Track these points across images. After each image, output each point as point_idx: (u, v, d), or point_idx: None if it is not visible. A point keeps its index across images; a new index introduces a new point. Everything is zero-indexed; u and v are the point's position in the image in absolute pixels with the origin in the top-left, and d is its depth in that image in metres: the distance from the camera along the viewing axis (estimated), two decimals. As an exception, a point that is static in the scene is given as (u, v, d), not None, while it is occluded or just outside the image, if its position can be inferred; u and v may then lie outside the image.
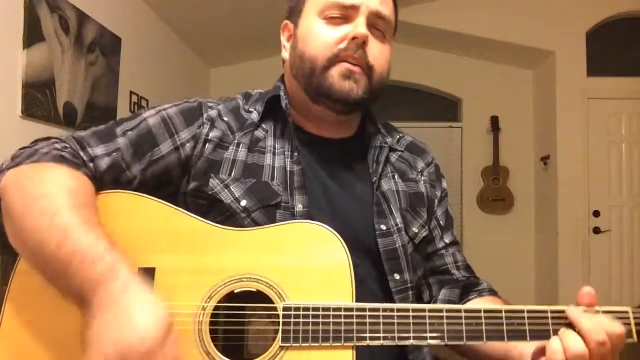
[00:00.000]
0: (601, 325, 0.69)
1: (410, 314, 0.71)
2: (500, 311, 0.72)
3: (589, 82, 4.16)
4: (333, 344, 0.70)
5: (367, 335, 0.70)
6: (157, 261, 0.74)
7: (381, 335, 0.70)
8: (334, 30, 0.87)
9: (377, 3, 0.87)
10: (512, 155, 4.63)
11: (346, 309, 0.71)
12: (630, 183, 4.19)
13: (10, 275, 0.73)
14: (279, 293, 0.72)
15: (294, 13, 0.93)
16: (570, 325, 0.71)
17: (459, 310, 0.72)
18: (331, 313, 0.71)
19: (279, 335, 0.70)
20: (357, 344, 0.70)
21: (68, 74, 2.41)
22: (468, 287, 0.94)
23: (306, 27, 0.89)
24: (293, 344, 0.70)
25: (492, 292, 0.94)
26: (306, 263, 0.74)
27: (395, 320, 0.71)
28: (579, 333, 0.69)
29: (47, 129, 2.24)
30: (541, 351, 0.72)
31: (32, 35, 2.12)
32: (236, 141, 0.89)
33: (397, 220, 0.89)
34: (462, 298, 0.93)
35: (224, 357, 0.71)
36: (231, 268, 0.74)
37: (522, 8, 4.17)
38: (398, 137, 1.02)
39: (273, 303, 0.72)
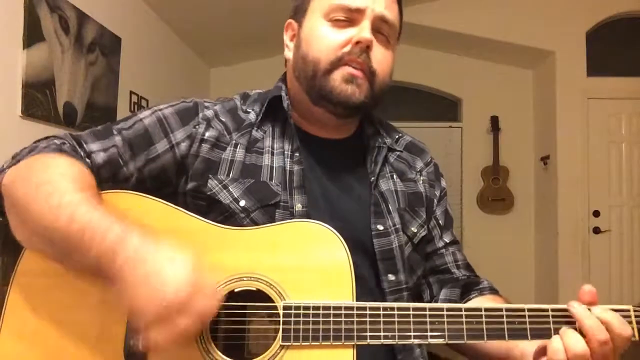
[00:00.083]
0: (607, 324, 0.69)
1: (411, 312, 0.71)
2: (501, 310, 0.72)
3: (589, 82, 4.16)
4: (333, 343, 0.70)
5: (368, 334, 0.70)
6: (157, 260, 0.74)
7: (382, 334, 0.70)
8: (338, 33, 0.86)
9: (382, 7, 0.87)
10: (512, 155, 4.63)
11: (347, 308, 0.71)
12: (630, 183, 4.19)
13: (11, 276, 0.73)
14: (280, 292, 0.72)
15: (299, 12, 0.93)
16: (572, 323, 0.71)
17: (459, 309, 0.72)
18: (332, 312, 0.71)
19: (280, 334, 0.70)
20: (357, 343, 0.70)
21: (68, 74, 2.41)
22: (469, 286, 0.94)
23: (310, 28, 0.89)
24: (293, 343, 0.70)
25: (493, 291, 0.94)
26: (307, 262, 0.74)
27: (396, 320, 0.71)
28: (580, 331, 0.69)
29: (47, 129, 2.24)
30: (542, 350, 0.72)
31: (32, 35, 2.12)
32: (234, 142, 0.89)
33: (395, 221, 0.89)
34: (463, 297, 0.93)
35: (224, 357, 0.71)
36: (232, 267, 0.74)
37: (522, 8, 4.17)
38: (397, 137, 1.02)
39: (273, 302, 0.72)
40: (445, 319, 0.71)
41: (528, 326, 0.71)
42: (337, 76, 0.85)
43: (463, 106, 4.80)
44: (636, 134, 4.20)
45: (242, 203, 0.84)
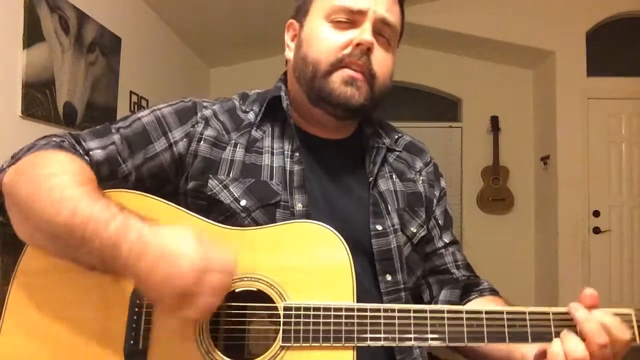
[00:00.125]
0: (607, 328, 0.68)
1: (412, 314, 0.71)
2: (502, 312, 0.72)
3: (589, 82, 4.16)
4: (334, 344, 0.70)
5: (368, 335, 0.70)
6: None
7: (382, 335, 0.70)
8: (339, 34, 0.86)
9: (384, 9, 0.87)
10: (512, 155, 4.63)
11: (347, 309, 0.71)
12: (630, 183, 4.19)
13: (12, 276, 0.73)
14: (280, 293, 0.72)
15: (300, 13, 0.93)
16: (573, 327, 0.70)
17: (460, 312, 0.72)
18: (332, 313, 0.71)
19: (280, 335, 0.70)
20: (357, 345, 0.70)
21: (68, 74, 2.41)
22: (469, 287, 0.94)
23: (311, 29, 0.89)
24: (294, 344, 0.70)
25: (493, 292, 0.94)
26: (307, 263, 0.74)
27: (397, 321, 0.71)
28: (580, 334, 0.69)
29: (47, 129, 2.24)
30: (543, 353, 0.72)
31: (32, 35, 2.12)
32: (233, 141, 0.89)
33: (394, 221, 0.89)
34: (463, 298, 0.93)
35: (224, 357, 0.71)
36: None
37: (522, 8, 4.17)
38: (396, 137, 1.02)
39: (274, 303, 0.72)
40: (445, 321, 0.71)
41: (529, 329, 0.71)
42: (337, 78, 0.85)
43: (463, 106, 4.80)
44: (636, 134, 4.21)
45: (243, 203, 0.84)
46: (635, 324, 0.72)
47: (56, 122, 2.31)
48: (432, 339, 0.71)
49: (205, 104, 0.92)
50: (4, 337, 0.71)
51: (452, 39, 4.40)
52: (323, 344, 0.70)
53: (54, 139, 0.81)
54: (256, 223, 0.82)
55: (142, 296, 0.71)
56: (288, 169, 0.87)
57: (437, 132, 4.68)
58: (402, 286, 0.87)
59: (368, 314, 0.71)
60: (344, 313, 0.71)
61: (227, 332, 0.73)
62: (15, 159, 0.78)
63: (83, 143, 0.82)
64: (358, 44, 0.84)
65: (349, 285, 0.73)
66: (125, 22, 3.03)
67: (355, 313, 0.71)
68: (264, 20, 3.52)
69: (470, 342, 0.71)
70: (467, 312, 0.72)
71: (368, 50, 0.85)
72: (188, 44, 4.14)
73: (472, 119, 4.73)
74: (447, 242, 0.99)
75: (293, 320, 0.71)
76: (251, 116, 0.92)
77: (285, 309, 0.71)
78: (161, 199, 0.79)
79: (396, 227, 0.89)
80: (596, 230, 4.15)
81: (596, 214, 4.17)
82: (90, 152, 0.82)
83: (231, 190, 0.85)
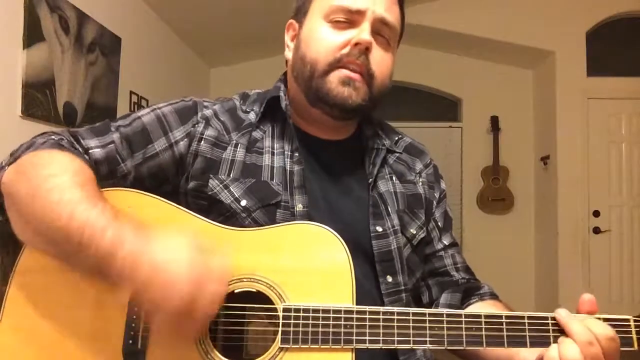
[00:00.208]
0: (589, 326, 0.69)
1: (411, 318, 0.71)
2: (501, 317, 0.72)
3: (589, 82, 4.16)
4: (332, 347, 0.70)
5: (367, 338, 0.70)
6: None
7: (381, 338, 0.70)
8: (338, 34, 0.86)
9: (383, 9, 0.86)
10: (512, 155, 4.63)
11: (346, 312, 0.71)
12: (630, 183, 4.19)
13: (10, 275, 0.73)
14: (279, 294, 0.72)
15: (300, 13, 0.93)
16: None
17: (459, 315, 0.72)
18: (331, 315, 0.71)
19: (279, 336, 0.70)
20: (356, 347, 0.70)
21: (68, 74, 2.41)
22: (469, 291, 0.94)
23: (310, 29, 0.89)
24: (292, 346, 0.70)
25: (494, 296, 0.93)
26: (307, 264, 0.74)
27: (395, 324, 0.71)
28: (568, 335, 0.69)
29: (47, 129, 2.20)
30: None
31: (32, 35, 2.12)
32: (234, 141, 0.88)
33: (394, 222, 0.89)
34: (464, 302, 0.93)
35: (223, 358, 0.71)
36: (232, 268, 0.74)
37: (522, 8, 4.17)
38: (396, 138, 1.02)
39: (273, 304, 0.72)
40: (444, 325, 0.71)
41: (527, 334, 0.71)
42: (334, 78, 0.85)
43: (463, 106, 4.80)
44: (636, 134, 4.21)
45: (243, 203, 0.83)
46: (633, 330, 0.72)
47: (56, 122, 2.31)
48: (431, 342, 0.70)
49: (205, 103, 0.92)
50: (3, 337, 0.71)
51: (452, 39, 4.40)
52: (322, 346, 0.70)
53: (52, 137, 0.80)
54: (256, 223, 0.82)
55: (137, 307, 0.70)
56: (288, 169, 0.87)
57: (437, 132, 4.68)
58: (402, 287, 0.87)
59: (367, 316, 0.71)
60: (343, 315, 0.71)
61: (226, 333, 0.73)
62: (14, 157, 0.77)
63: (82, 141, 0.82)
64: (356, 44, 0.84)
65: (349, 286, 0.73)
66: (125, 22, 3.03)
67: (355, 315, 0.71)
68: (264, 20, 3.52)
69: (469, 346, 0.71)
70: (466, 316, 0.72)
71: (366, 50, 0.85)
72: (188, 44, 4.14)
73: (472, 119, 4.73)
74: (447, 244, 0.99)
75: (292, 321, 0.71)
76: (252, 116, 0.92)
77: (285, 310, 0.71)
78: (160, 198, 0.78)
79: (396, 228, 0.88)
80: (596, 230, 4.15)
81: (596, 214, 4.17)
82: (90, 151, 0.81)
83: (232, 190, 0.85)
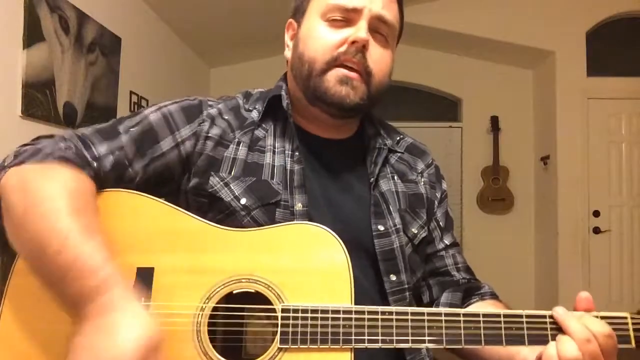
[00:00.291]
0: (586, 324, 0.69)
1: (409, 317, 0.71)
2: (499, 315, 0.72)
3: (589, 82, 4.16)
4: (331, 346, 0.70)
5: (366, 337, 0.70)
6: (156, 261, 0.74)
7: (379, 338, 0.70)
8: (334, 33, 0.86)
9: (380, 7, 0.86)
10: (512, 155, 4.63)
11: (345, 312, 0.71)
12: (630, 183, 4.19)
13: (8, 276, 0.73)
14: (278, 294, 0.72)
15: (298, 12, 0.93)
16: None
17: (457, 314, 0.72)
18: (330, 315, 0.71)
19: (278, 336, 0.70)
20: (355, 347, 0.70)
21: (68, 74, 2.41)
22: (470, 291, 0.94)
23: (308, 28, 0.89)
24: (291, 346, 0.70)
25: (494, 296, 0.93)
26: (305, 265, 0.74)
27: (394, 324, 0.71)
28: (565, 332, 0.69)
29: (47, 129, 2.24)
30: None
31: (32, 35, 2.12)
32: (237, 140, 0.89)
33: (396, 221, 0.89)
34: (465, 301, 0.93)
35: (222, 358, 0.71)
36: (230, 269, 0.74)
37: (522, 8, 4.18)
38: (398, 138, 1.02)
39: (272, 304, 0.72)
40: (443, 324, 0.71)
41: (526, 332, 0.71)
42: (331, 77, 0.85)
43: (463, 106, 4.80)
44: (636, 134, 4.21)
45: (243, 201, 0.83)
46: (631, 327, 0.72)
47: (56, 122, 2.31)
48: (430, 341, 0.70)
49: (210, 102, 0.92)
50: (1, 338, 0.71)
51: (452, 39, 4.40)
52: (321, 346, 0.70)
53: (61, 144, 0.78)
54: (256, 222, 0.82)
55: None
56: (289, 168, 0.87)
57: (437, 132, 4.68)
58: (406, 286, 0.87)
59: (366, 316, 0.71)
60: (341, 315, 0.71)
61: (224, 334, 0.73)
62: (18, 160, 0.75)
63: (92, 147, 0.80)
64: (353, 42, 0.84)
65: (347, 287, 0.73)
66: (125, 22, 3.03)
67: (353, 315, 0.71)
68: (264, 20, 3.53)
69: (467, 345, 0.71)
70: (465, 314, 0.72)
71: (363, 48, 0.85)
72: (188, 44, 4.14)
73: (472, 119, 4.73)
74: (448, 244, 0.99)
75: (291, 322, 0.70)
76: (254, 115, 0.92)
77: (283, 310, 0.71)
78: (158, 199, 0.78)
79: (398, 227, 0.89)
80: (596, 230, 4.16)
81: (596, 214, 4.17)
82: (100, 159, 0.79)
83: (232, 188, 0.85)
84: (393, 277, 0.86)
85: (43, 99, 2.21)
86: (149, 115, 0.87)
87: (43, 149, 0.76)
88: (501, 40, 4.24)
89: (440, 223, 0.99)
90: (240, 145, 0.88)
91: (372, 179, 0.91)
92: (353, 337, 0.70)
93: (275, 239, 0.76)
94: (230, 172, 0.86)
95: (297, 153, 0.88)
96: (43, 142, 0.78)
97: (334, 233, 0.75)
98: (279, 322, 0.71)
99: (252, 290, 0.73)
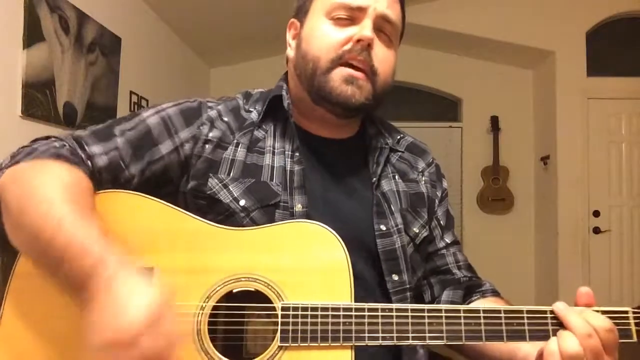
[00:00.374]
0: (587, 319, 0.69)
1: (409, 314, 0.71)
2: (500, 311, 0.72)
3: (589, 82, 4.16)
4: (332, 344, 0.70)
5: (366, 335, 0.70)
6: (155, 261, 0.74)
7: (380, 335, 0.70)
8: (339, 31, 0.86)
9: (384, 6, 0.86)
10: (512, 155, 4.63)
11: (345, 309, 0.71)
12: (630, 183, 4.19)
13: (9, 277, 0.73)
14: (278, 293, 0.72)
15: (301, 12, 0.93)
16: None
17: (458, 311, 0.72)
18: (330, 313, 0.71)
19: (278, 335, 0.70)
20: (355, 344, 0.70)
21: (68, 74, 2.41)
22: (471, 288, 0.94)
23: (311, 27, 0.89)
24: (292, 344, 0.70)
25: (495, 293, 0.94)
26: (305, 263, 0.74)
27: (394, 320, 0.71)
28: (567, 328, 0.69)
29: (47, 129, 2.24)
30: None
31: (32, 35, 2.12)
32: (235, 141, 0.88)
33: (398, 221, 0.89)
34: (466, 299, 0.93)
35: (222, 357, 0.71)
36: (230, 268, 0.74)
37: (522, 8, 4.17)
38: (399, 137, 1.02)
39: (272, 303, 0.72)
40: (443, 320, 0.71)
41: (526, 327, 0.71)
42: (337, 76, 0.85)
43: (463, 106, 4.80)
44: (636, 134, 4.21)
45: (242, 202, 0.83)
46: (632, 322, 0.72)
47: (56, 122, 2.31)
48: (430, 337, 0.71)
49: (210, 104, 0.92)
50: (2, 338, 0.71)
51: (452, 39, 4.40)
52: (321, 344, 0.70)
53: (55, 143, 0.79)
54: (255, 223, 0.82)
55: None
56: (288, 169, 0.87)
57: (437, 132, 4.68)
58: (407, 286, 0.87)
59: (366, 313, 0.71)
60: (341, 313, 0.71)
61: (225, 332, 0.73)
62: (14, 160, 0.76)
63: (86, 147, 0.81)
64: (358, 40, 0.84)
65: (347, 284, 0.73)
66: (125, 22, 3.03)
67: (353, 313, 0.71)
68: (264, 20, 3.53)
69: (468, 341, 0.71)
70: (465, 310, 0.72)
71: (369, 47, 0.85)
72: (188, 44, 4.14)
73: (472, 119, 4.73)
74: (449, 242, 0.99)
75: (291, 320, 0.71)
76: (254, 115, 0.92)
77: (283, 309, 0.71)
78: (158, 199, 0.78)
79: (400, 227, 0.88)
80: (596, 230, 4.15)
81: (596, 214, 4.17)
82: (93, 158, 0.80)
83: (231, 189, 0.84)
84: (395, 277, 0.86)
85: (43, 99, 2.21)
86: (147, 119, 0.86)
87: (38, 148, 0.77)
88: (501, 40, 4.24)
89: (441, 222, 0.99)
90: (239, 146, 0.88)
91: (374, 179, 0.91)
92: (353, 335, 0.70)
93: (274, 237, 0.76)
94: (229, 174, 0.85)
95: (297, 154, 0.88)
96: (38, 143, 0.80)
97: (332, 231, 0.75)
98: (279, 320, 0.71)
99: (252, 289, 0.73)
